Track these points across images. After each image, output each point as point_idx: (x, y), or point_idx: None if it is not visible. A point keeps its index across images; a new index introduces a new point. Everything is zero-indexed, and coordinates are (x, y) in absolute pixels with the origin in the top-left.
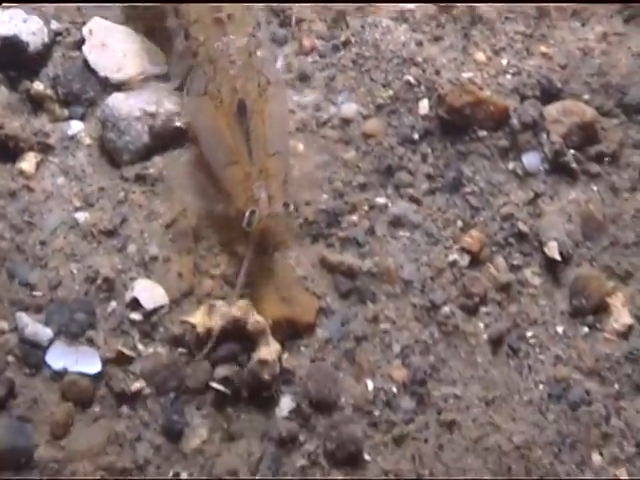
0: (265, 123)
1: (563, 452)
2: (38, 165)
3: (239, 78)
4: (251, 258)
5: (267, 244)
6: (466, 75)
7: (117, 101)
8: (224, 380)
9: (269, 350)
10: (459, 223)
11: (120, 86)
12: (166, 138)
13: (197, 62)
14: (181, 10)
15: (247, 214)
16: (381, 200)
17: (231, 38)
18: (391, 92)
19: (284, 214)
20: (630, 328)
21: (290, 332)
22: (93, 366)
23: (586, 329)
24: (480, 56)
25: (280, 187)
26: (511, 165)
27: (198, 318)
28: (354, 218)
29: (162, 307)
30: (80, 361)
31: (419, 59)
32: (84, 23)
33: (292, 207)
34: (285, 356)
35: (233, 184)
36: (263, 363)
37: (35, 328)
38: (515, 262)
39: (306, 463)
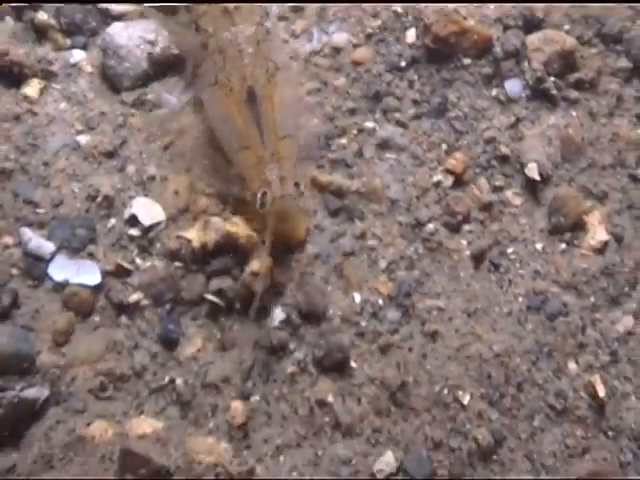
0: (275, 108)
1: (540, 360)
2: (42, 91)
3: (248, 66)
4: (270, 241)
5: (283, 226)
6: (451, 5)
7: (117, 30)
8: (218, 292)
9: (261, 263)
10: (444, 146)
11: (120, 17)
12: (164, 65)
13: (208, 53)
14: (192, 5)
15: (259, 195)
16: (369, 124)
17: (239, 28)
18: (380, 22)
19: (295, 194)
20: (606, 244)
21: (281, 248)
22: (93, 278)
23: (564, 245)
24: None
25: (291, 168)
26: (494, 91)
27: (193, 233)
28: (343, 141)
29: (159, 223)
30: (81, 273)
31: None
32: None
33: (302, 187)
34: (276, 270)
35: (246, 168)
36: (255, 275)
37: (38, 242)
38: (497, 183)
39: (295, 370)
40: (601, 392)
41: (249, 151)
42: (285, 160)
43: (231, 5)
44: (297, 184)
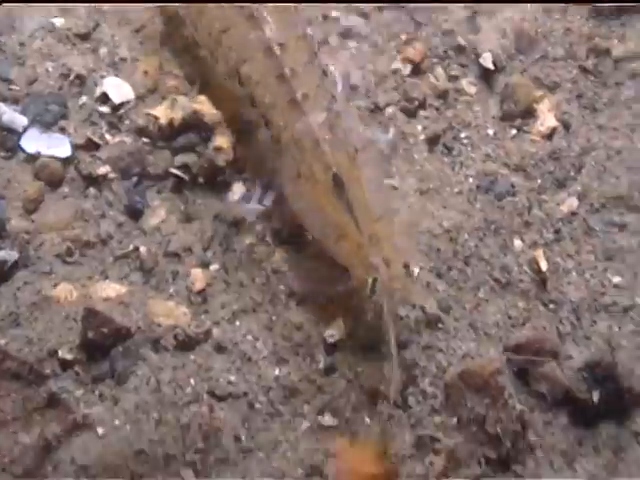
0: (363, 190)
1: (487, 237)
2: None
3: (327, 154)
4: (394, 335)
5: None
6: None
7: None
8: (183, 167)
9: (224, 139)
10: (403, 37)
11: None
12: None
13: (283, 147)
14: (257, 99)
15: (369, 282)
16: (334, 13)
17: (311, 117)
18: None
19: (405, 274)
20: (554, 130)
21: (244, 126)
22: (64, 151)
23: (514, 131)
24: None
25: (394, 249)
26: None
27: (161, 111)
28: (309, 30)
29: (128, 102)
30: (52, 146)
31: None
32: None
33: (412, 267)
34: (238, 147)
35: (348, 257)
36: (218, 150)
37: (12, 116)
38: (453, 72)
39: (254, 241)
40: (544, 267)
41: (347, 239)
42: (386, 241)
43: (299, 95)
44: (407, 265)
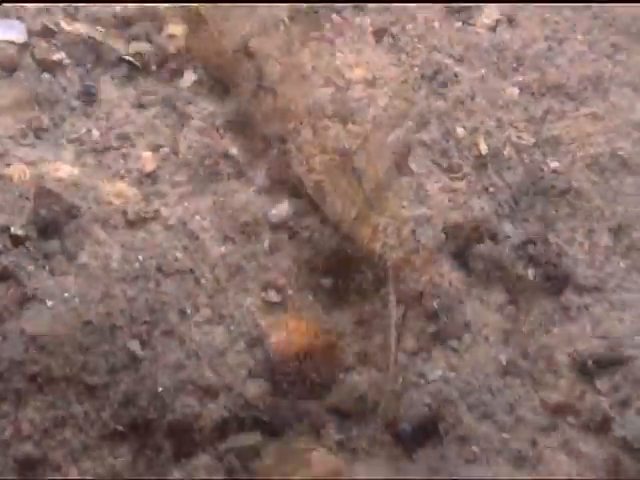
0: (377, 167)
1: (431, 124)
2: None
3: (340, 129)
4: (395, 300)
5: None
6: None
7: None
8: (136, 54)
9: (177, 27)
10: None
11: None
12: None
13: (291, 121)
14: (265, 72)
15: (379, 248)
16: None
17: (319, 91)
18: None
19: (413, 243)
20: (498, 22)
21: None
22: (20, 36)
23: (459, 24)
24: None
25: (403, 220)
26: None
27: None
28: None
29: None
30: (8, 32)
31: None
32: None
33: (421, 238)
34: (190, 36)
35: (358, 229)
36: (171, 37)
37: None
38: None
39: (204, 125)
40: (484, 151)
41: (359, 212)
42: (396, 213)
43: (309, 68)
44: (414, 231)
